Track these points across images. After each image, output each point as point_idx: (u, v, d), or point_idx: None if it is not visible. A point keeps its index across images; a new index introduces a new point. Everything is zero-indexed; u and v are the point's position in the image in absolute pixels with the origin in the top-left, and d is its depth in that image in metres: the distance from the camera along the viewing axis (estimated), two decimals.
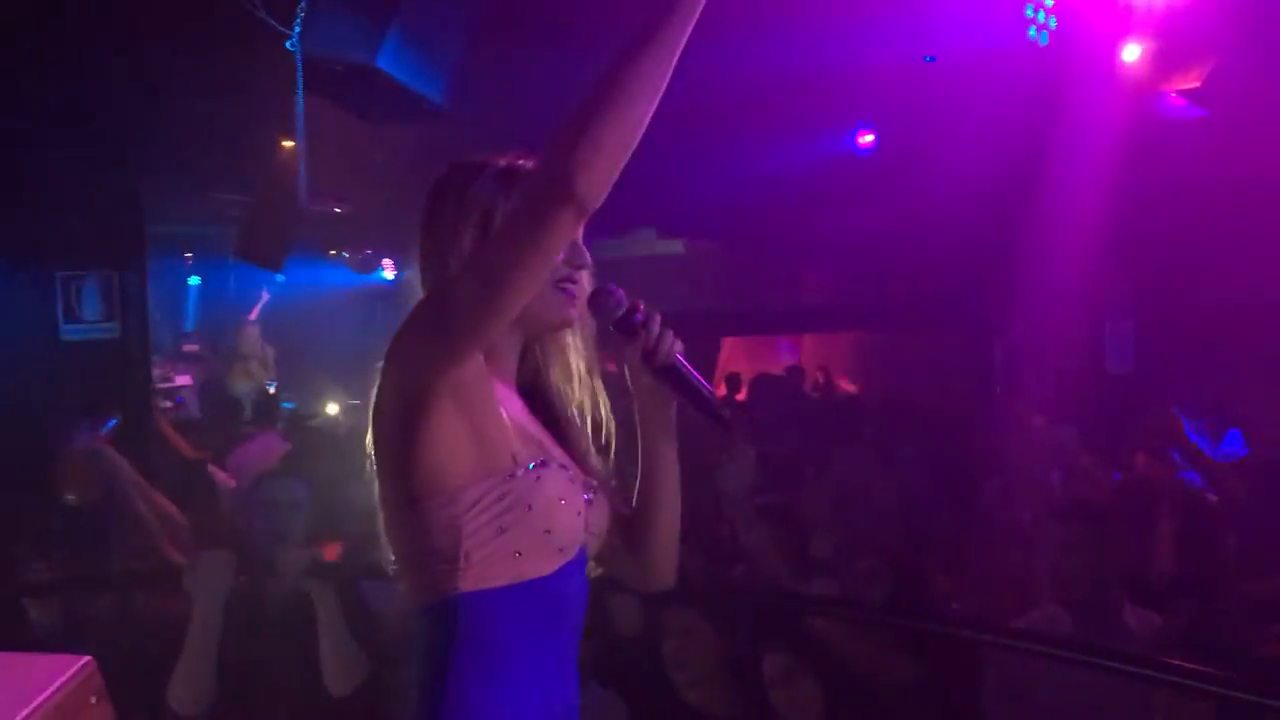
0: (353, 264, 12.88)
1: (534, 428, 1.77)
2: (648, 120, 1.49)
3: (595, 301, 1.79)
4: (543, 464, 1.70)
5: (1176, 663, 2.79)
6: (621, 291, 1.79)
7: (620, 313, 1.78)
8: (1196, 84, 6.02)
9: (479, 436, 1.64)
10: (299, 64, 4.32)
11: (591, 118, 1.46)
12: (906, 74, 6.26)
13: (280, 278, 10.85)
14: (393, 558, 1.72)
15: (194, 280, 13.74)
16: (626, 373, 1.83)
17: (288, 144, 5.55)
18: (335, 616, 3.40)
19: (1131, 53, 6.16)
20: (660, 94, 1.49)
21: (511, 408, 1.74)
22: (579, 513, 1.72)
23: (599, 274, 1.85)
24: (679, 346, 1.79)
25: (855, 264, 8.86)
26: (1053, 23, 5.57)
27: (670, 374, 1.78)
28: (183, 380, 11.00)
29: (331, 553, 3.89)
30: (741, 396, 9.59)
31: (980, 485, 5.69)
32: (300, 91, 4.41)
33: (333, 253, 12.76)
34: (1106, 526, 3.46)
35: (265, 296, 12.29)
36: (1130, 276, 7.66)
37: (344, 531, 3.92)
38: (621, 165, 1.49)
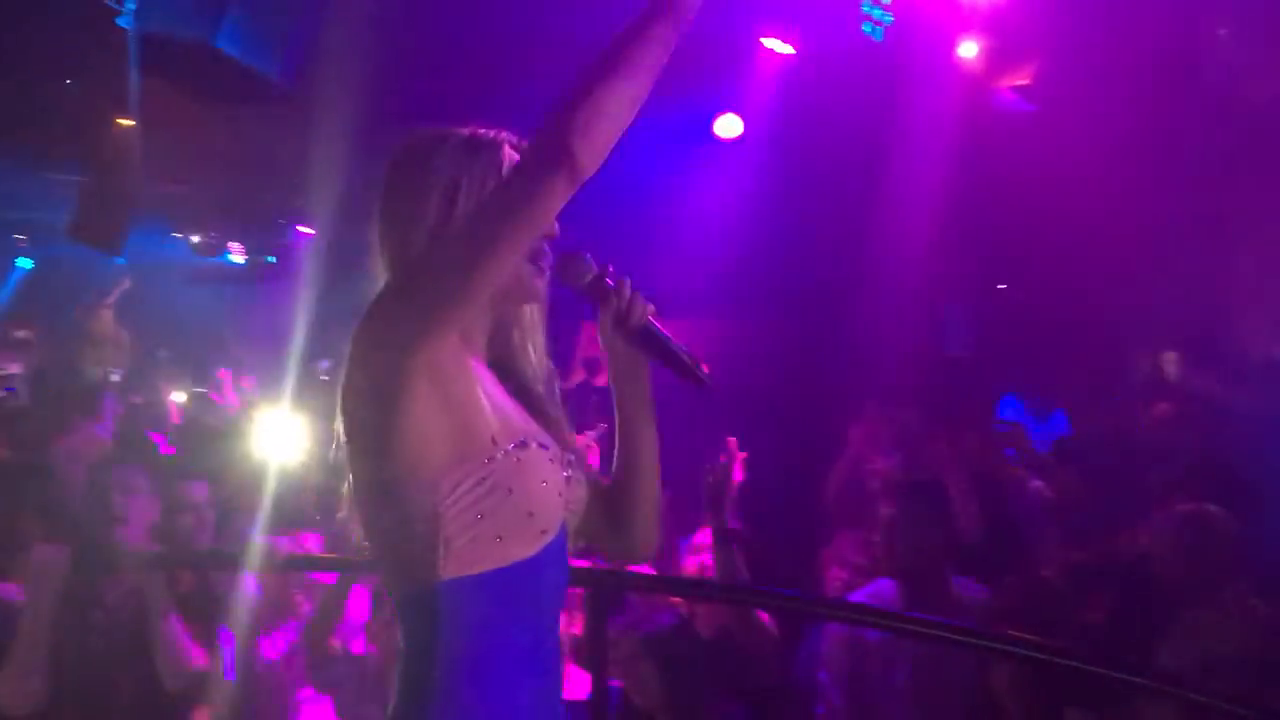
0: (198, 247, 12.45)
1: (509, 404, 1.72)
2: (645, 96, 1.53)
3: (565, 267, 1.76)
4: (522, 444, 1.65)
5: (1005, 633, 2.95)
6: (590, 256, 1.77)
7: (590, 277, 1.75)
8: (1027, 81, 6.33)
9: (457, 418, 1.60)
10: (132, 42, 4.17)
11: (597, 83, 1.49)
12: (764, 64, 6.39)
13: (120, 260, 10.43)
14: (366, 545, 1.67)
15: (25, 263, 13.09)
16: (600, 338, 1.82)
17: (124, 123, 5.36)
18: (168, 609, 3.31)
19: (968, 49, 6.43)
20: (659, 71, 1.54)
21: (487, 385, 1.70)
22: (560, 492, 1.68)
23: None
24: (650, 308, 1.78)
25: (710, 252, 9.00)
26: (888, 19, 5.76)
27: (645, 335, 1.76)
28: (13, 368, 10.48)
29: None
30: (602, 381, 9.63)
31: (825, 466, 5.89)
32: (134, 70, 4.26)
33: (177, 235, 12.32)
34: (935, 503, 3.63)
35: (126, 283, 11.80)
36: (967, 263, 7.99)
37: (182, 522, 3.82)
38: (619, 135, 1.51)
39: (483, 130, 1.76)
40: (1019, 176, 6.63)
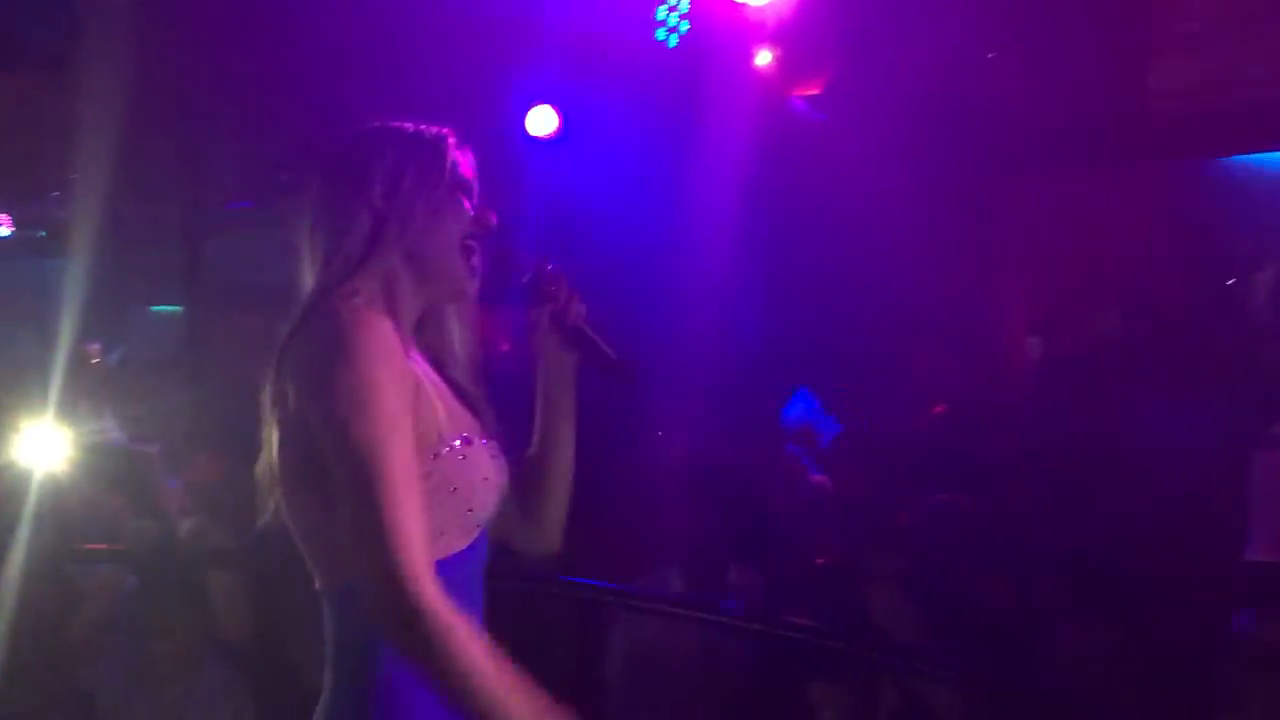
0: None
1: (448, 396, 1.72)
2: None
3: (500, 264, 1.77)
4: (466, 440, 1.67)
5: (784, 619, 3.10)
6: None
7: (529, 275, 1.78)
8: (818, 90, 6.60)
9: (406, 411, 1.58)
10: None
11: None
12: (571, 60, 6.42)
13: None
14: (299, 539, 1.66)
15: None
16: (532, 336, 1.84)
17: None
18: None
19: (764, 58, 6.65)
20: None
21: (427, 376, 1.69)
22: (497, 487, 1.71)
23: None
24: (583, 309, 1.81)
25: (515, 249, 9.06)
26: (684, 26, 5.90)
27: (579, 336, 1.80)
28: None
29: None
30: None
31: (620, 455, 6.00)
32: None
33: None
34: (718, 492, 3.75)
35: None
36: (763, 264, 8.27)
37: None
38: None
39: (432, 129, 1.74)
40: (811, 182, 6.90)
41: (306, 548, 1.66)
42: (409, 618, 1.45)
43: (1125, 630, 3.38)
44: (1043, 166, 7.13)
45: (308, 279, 1.70)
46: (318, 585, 1.67)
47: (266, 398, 1.65)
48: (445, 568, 1.63)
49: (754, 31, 6.28)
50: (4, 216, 11.43)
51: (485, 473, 1.69)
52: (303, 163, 1.76)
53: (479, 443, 1.70)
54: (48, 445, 4.34)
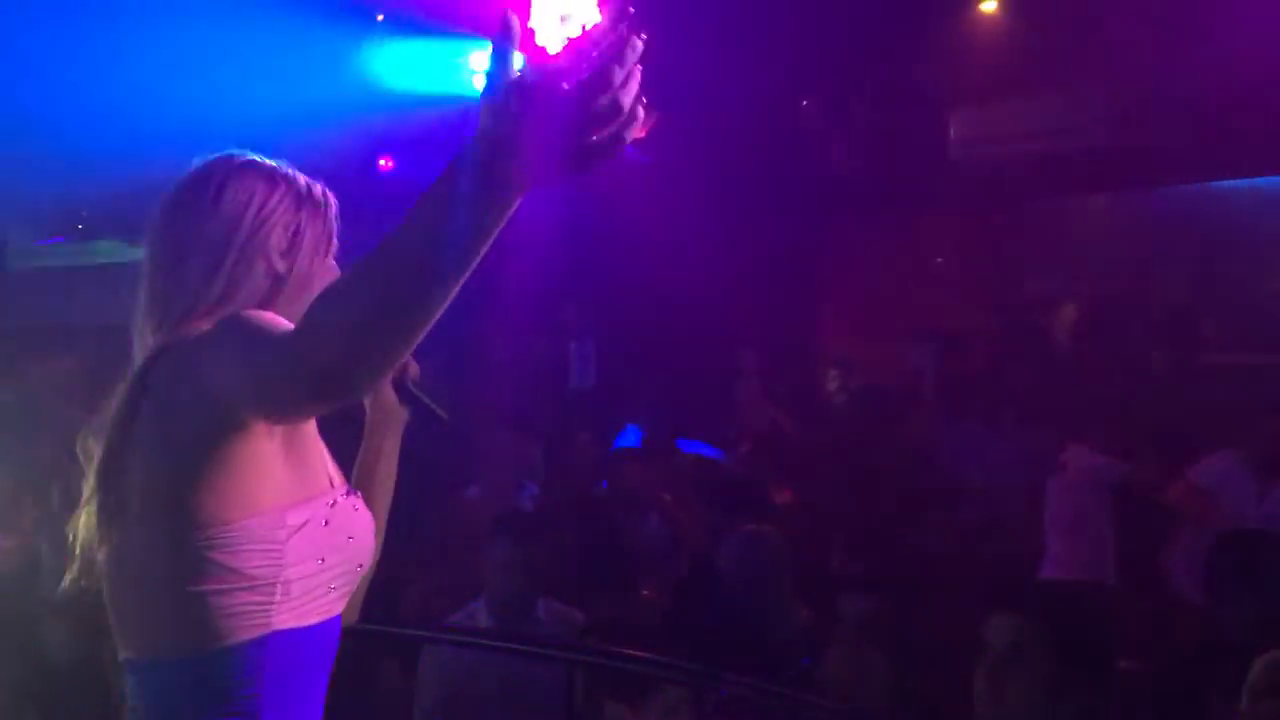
0: None
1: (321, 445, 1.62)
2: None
3: None
4: (351, 490, 1.61)
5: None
6: None
7: None
8: (643, 134, 6.80)
9: (297, 456, 1.49)
10: None
11: (370, 310, 1.23)
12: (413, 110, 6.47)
13: None
14: (116, 597, 1.50)
15: None
16: (377, 395, 1.78)
17: None
18: None
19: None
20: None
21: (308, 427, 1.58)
22: (373, 545, 1.64)
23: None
24: (417, 369, 1.79)
25: None
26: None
27: (414, 396, 1.81)
28: None
29: None
30: None
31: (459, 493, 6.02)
32: None
33: None
34: (533, 535, 3.82)
35: None
36: (590, 302, 8.43)
37: None
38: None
39: (315, 187, 1.65)
40: (637, 222, 7.09)
41: (126, 609, 1.51)
42: (320, 364, 1.27)
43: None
44: (856, 210, 7.51)
45: (158, 313, 1.58)
46: (126, 655, 1.52)
47: (97, 439, 1.52)
48: (326, 630, 1.54)
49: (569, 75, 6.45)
50: None
51: (367, 524, 1.63)
52: (175, 197, 1.54)
53: (356, 497, 1.62)
54: None
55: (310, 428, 1.56)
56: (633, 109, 1.21)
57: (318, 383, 1.29)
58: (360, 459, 1.81)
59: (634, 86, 1.19)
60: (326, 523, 1.50)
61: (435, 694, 3.45)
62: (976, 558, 5.35)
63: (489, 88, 1.19)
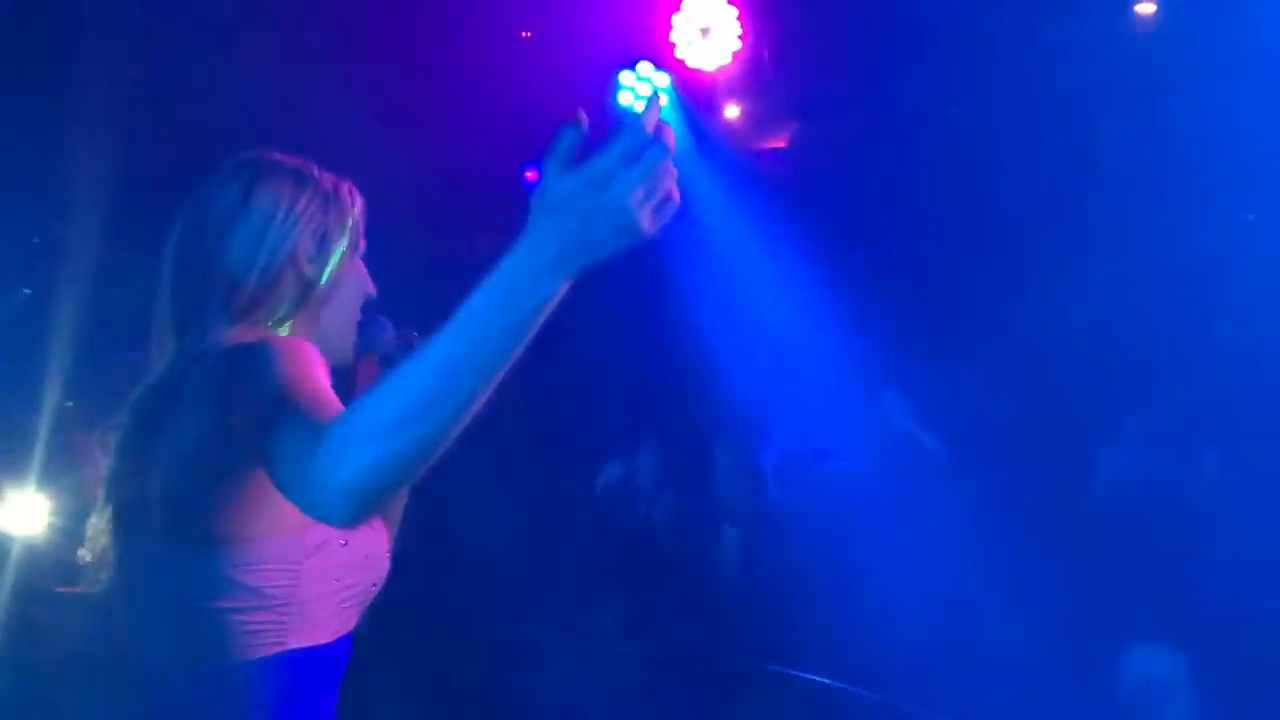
0: None
1: None
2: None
3: (367, 334, 1.70)
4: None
5: None
6: (391, 324, 1.73)
7: (389, 344, 1.71)
8: (783, 144, 6.81)
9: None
10: None
11: (388, 429, 1.20)
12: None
13: None
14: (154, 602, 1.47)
15: None
16: None
17: None
18: None
19: (732, 111, 6.86)
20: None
21: None
22: (386, 564, 1.59)
23: None
24: None
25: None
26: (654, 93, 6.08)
27: None
28: None
29: None
30: None
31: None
32: None
33: None
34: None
35: None
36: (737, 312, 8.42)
37: None
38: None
39: (344, 192, 1.63)
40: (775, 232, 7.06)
41: (140, 616, 1.50)
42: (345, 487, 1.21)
43: None
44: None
45: (182, 314, 1.56)
46: (138, 660, 1.50)
47: (113, 438, 1.52)
48: (340, 648, 1.52)
49: (726, 87, 6.47)
50: None
51: (385, 543, 1.59)
52: (203, 197, 1.59)
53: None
54: (29, 512, 4.07)
55: None
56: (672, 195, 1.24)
57: (335, 497, 1.22)
58: None
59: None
60: (345, 543, 1.47)
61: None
62: None
63: (552, 185, 1.22)
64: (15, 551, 3.62)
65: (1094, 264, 5.87)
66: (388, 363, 1.71)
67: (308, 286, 1.57)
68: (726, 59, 5.73)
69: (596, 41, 5.95)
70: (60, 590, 3.68)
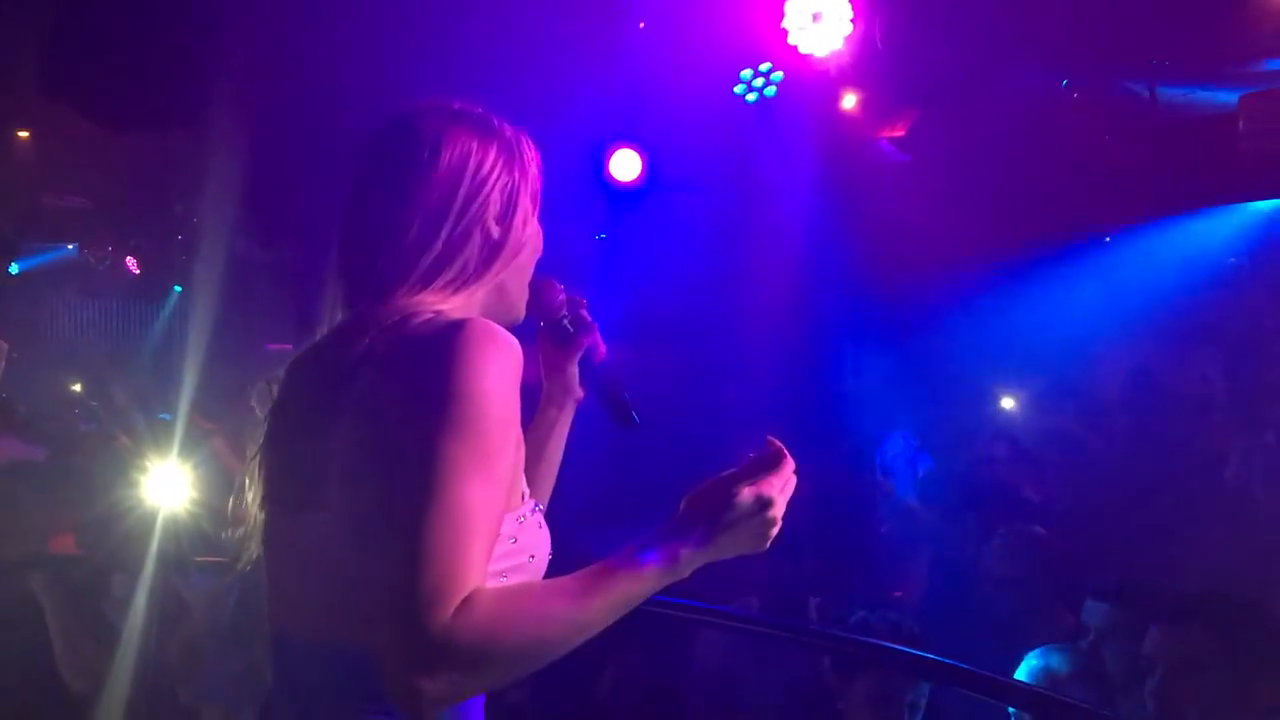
0: (92, 260, 12.23)
1: None
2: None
3: (539, 295, 1.65)
4: (537, 506, 1.51)
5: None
6: (563, 287, 1.69)
7: (562, 313, 1.68)
8: (902, 133, 6.73)
9: (509, 454, 1.37)
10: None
11: (496, 652, 1.23)
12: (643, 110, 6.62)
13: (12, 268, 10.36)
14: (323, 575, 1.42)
15: None
16: (555, 368, 1.72)
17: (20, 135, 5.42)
18: (64, 612, 3.38)
19: (849, 101, 6.81)
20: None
21: None
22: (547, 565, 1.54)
23: None
24: (603, 349, 1.71)
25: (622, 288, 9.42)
26: (771, 91, 6.07)
27: (603, 374, 1.70)
28: None
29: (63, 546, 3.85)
30: None
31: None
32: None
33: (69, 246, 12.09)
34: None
35: None
36: (854, 301, 8.37)
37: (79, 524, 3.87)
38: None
39: (529, 152, 1.59)
40: (897, 223, 7.01)
41: (306, 589, 1.45)
42: (435, 671, 1.22)
43: None
44: (1134, 206, 7.11)
45: (358, 276, 1.51)
46: (292, 632, 1.46)
47: (316, 410, 1.45)
48: None
49: (841, 75, 6.42)
50: (131, 259, 12.13)
51: (547, 543, 1.51)
52: (386, 150, 1.50)
53: (541, 508, 1.53)
54: (172, 485, 4.21)
55: (519, 434, 1.42)
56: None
57: (418, 698, 1.22)
58: (529, 431, 1.67)
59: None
60: (515, 540, 1.42)
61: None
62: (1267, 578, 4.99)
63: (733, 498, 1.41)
64: (158, 523, 3.81)
65: None
66: (556, 328, 1.69)
67: (496, 248, 1.52)
68: (839, 44, 5.68)
69: (712, 32, 5.97)
70: (200, 560, 3.92)
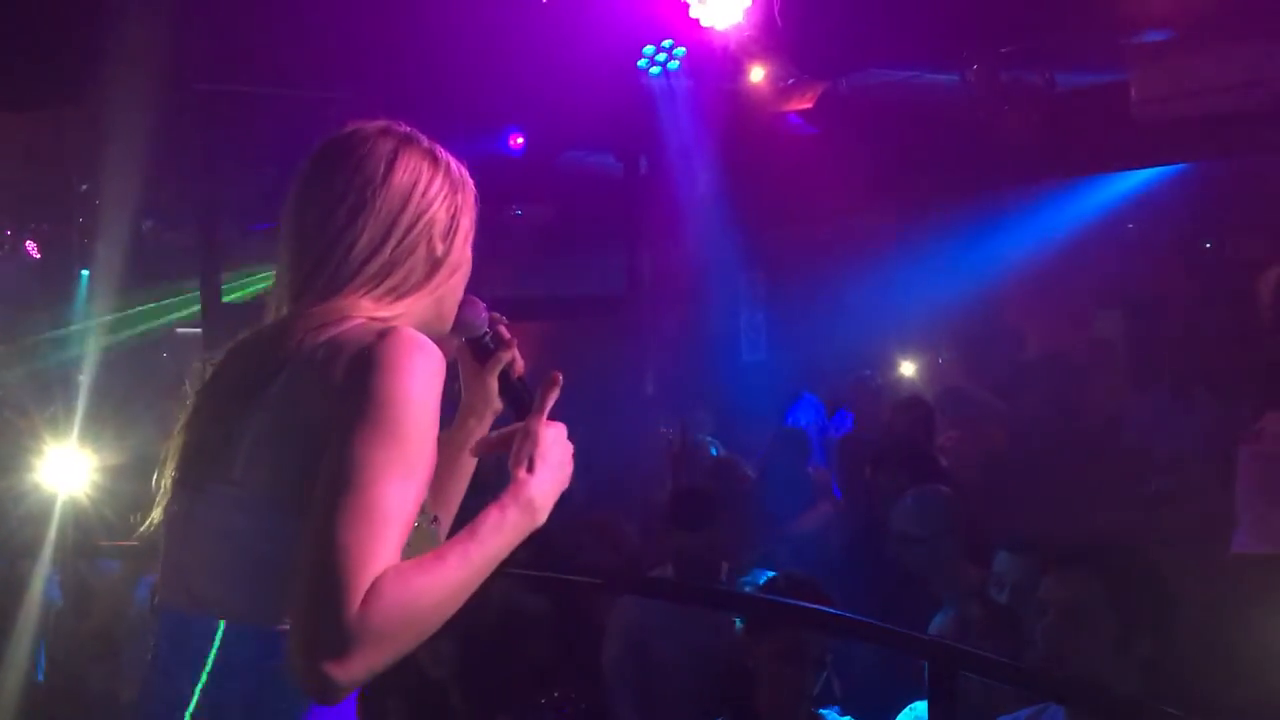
0: None
1: None
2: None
3: (464, 312, 1.70)
4: (435, 519, 1.61)
5: None
6: (484, 305, 1.74)
7: (484, 330, 1.73)
8: (809, 105, 6.83)
9: (429, 463, 1.45)
10: None
11: (386, 620, 1.30)
12: (545, 84, 6.62)
13: None
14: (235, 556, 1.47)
15: None
16: (474, 383, 1.78)
17: None
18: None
19: (757, 74, 6.89)
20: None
21: None
22: None
23: None
24: (521, 364, 1.77)
25: (527, 259, 9.34)
26: (680, 52, 6.11)
27: (517, 388, 1.76)
28: None
29: None
30: None
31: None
32: None
33: None
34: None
35: None
36: (762, 273, 8.49)
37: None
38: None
39: (465, 175, 1.67)
40: (804, 193, 7.12)
41: (221, 570, 1.48)
42: (344, 660, 1.28)
43: None
44: (1033, 176, 7.31)
45: (303, 275, 1.58)
46: (203, 613, 1.49)
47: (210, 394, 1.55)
48: None
49: (747, 50, 6.49)
50: (31, 243, 11.78)
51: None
52: (342, 159, 1.58)
53: (438, 524, 1.63)
54: (71, 468, 4.15)
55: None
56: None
57: (330, 681, 1.29)
58: (447, 440, 1.74)
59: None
60: (410, 546, 1.41)
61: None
62: (1163, 530, 5.19)
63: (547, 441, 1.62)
64: (58, 508, 3.75)
65: None
66: (477, 343, 1.77)
67: (438, 263, 1.61)
68: (739, 17, 5.74)
69: (615, 6, 5.99)
70: (105, 545, 3.87)
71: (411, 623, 1.33)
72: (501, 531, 1.48)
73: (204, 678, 1.47)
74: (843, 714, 2.88)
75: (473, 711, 3.29)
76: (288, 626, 1.36)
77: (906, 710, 2.91)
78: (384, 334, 1.45)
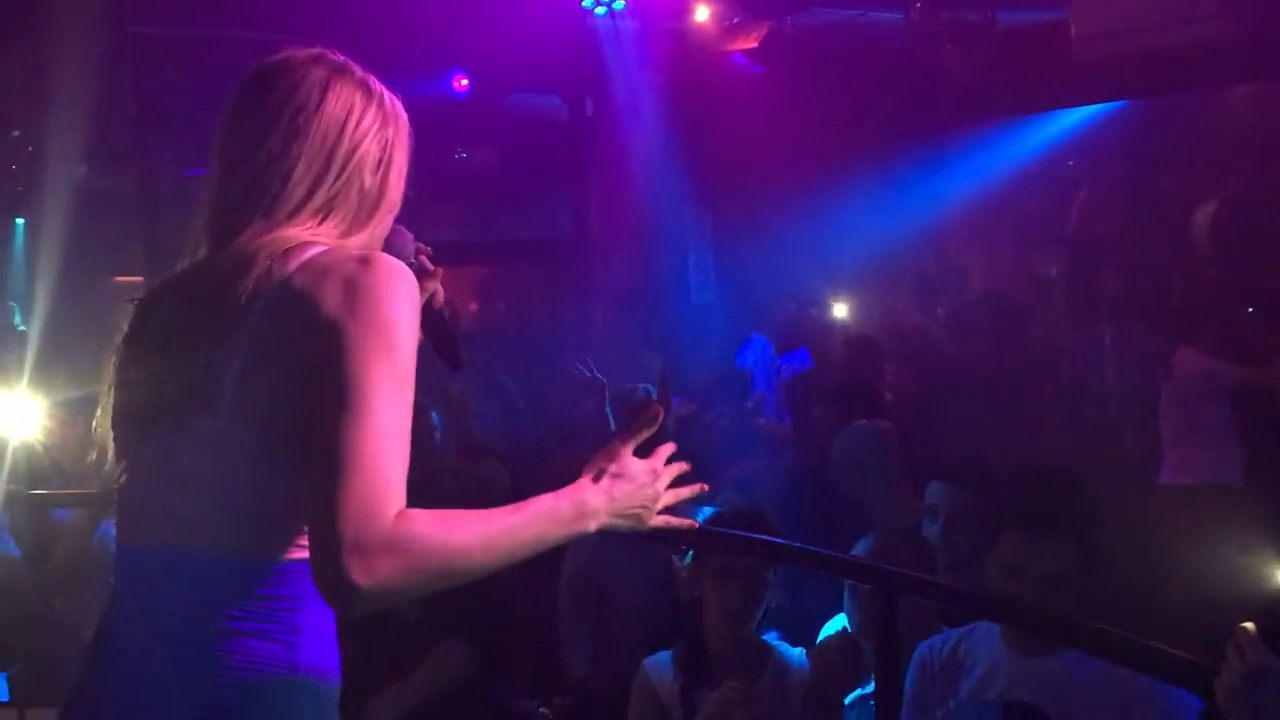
0: None
1: None
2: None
3: (392, 243, 1.67)
4: None
5: None
6: (411, 235, 1.73)
7: (411, 261, 1.68)
8: (754, 44, 6.84)
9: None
10: None
11: (427, 556, 1.35)
12: (491, 26, 6.56)
13: None
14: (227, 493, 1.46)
15: None
16: None
17: None
18: None
19: (702, 14, 6.88)
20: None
21: None
22: None
23: None
24: (441, 295, 1.77)
25: (470, 201, 9.27)
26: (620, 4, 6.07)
27: (438, 320, 1.75)
28: None
29: None
30: None
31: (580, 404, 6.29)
32: None
33: None
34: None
35: None
36: (709, 214, 8.52)
37: None
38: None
39: (400, 110, 1.63)
40: (751, 132, 7.14)
41: (190, 500, 1.47)
42: (376, 573, 1.31)
43: None
44: (975, 115, 7.38)
45: (254, 204, 1.53)
46: (164, 542, 1.49)
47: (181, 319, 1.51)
48: None
49: None
50: None
51: None
52: (274, 86, 1.53)
53: None
54: (21, 414, 4.13)
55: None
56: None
57: (355, 593, 1.32)
58: None
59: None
60: None
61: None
62: (1100, 462, 5.35)
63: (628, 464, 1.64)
64: (10, 454, 3.73)
65: None
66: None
67: (366, 196, 1.58)
68: None
69: None
70: (59, 494, 3.86)
71: (435, 553, 1.36)
72: (547, 520, 1.51)
73: (171, 613, 1.47)
74: (782, 639, 2.96)
75: (429, 636, 3.32)
76: (288, 555, 1.44)
77: (830, 623, 3.02)
78: (365, 260, 1.46)
